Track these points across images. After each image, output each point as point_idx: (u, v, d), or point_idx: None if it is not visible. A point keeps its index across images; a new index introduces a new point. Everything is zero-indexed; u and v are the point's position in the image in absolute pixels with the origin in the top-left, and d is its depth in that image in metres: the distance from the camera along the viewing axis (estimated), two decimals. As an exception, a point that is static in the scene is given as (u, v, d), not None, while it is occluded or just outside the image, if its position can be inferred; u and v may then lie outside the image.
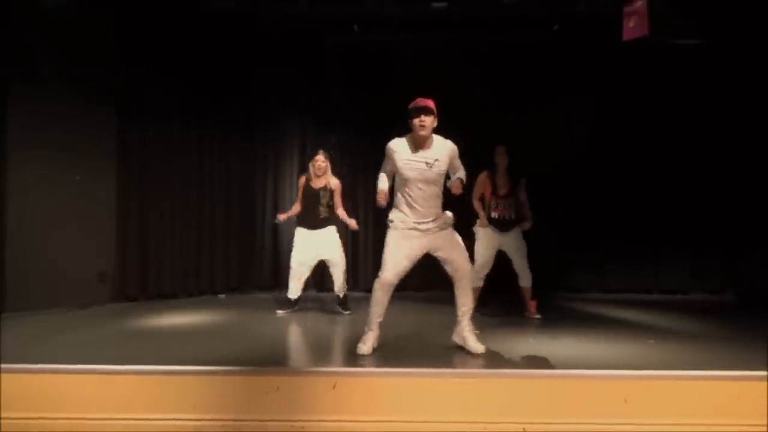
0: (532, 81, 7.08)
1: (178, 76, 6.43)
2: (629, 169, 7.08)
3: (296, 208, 5.63)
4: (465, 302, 3.70)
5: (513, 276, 5.40)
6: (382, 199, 3.62)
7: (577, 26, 6.56)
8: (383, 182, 3.72)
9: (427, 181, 3.57)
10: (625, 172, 7.09)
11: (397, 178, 3.70)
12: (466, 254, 3.74)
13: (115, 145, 6.02)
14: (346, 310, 5.56)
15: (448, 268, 3.69)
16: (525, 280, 5.32)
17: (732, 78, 6.86)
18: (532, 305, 5.42)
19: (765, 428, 2.86)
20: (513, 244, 5.28)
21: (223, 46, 6.73)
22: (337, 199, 5.53)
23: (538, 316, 5.35)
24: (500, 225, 5.24)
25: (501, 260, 5.41)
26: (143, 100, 6.20)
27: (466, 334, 3.68)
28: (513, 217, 5.27)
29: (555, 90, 7.03)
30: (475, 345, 3.61)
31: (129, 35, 6.00)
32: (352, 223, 5.43)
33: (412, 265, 3.65)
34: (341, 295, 5.61)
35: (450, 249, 3.65)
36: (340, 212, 5.51)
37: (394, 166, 3.62)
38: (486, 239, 5.23)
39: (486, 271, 5.20)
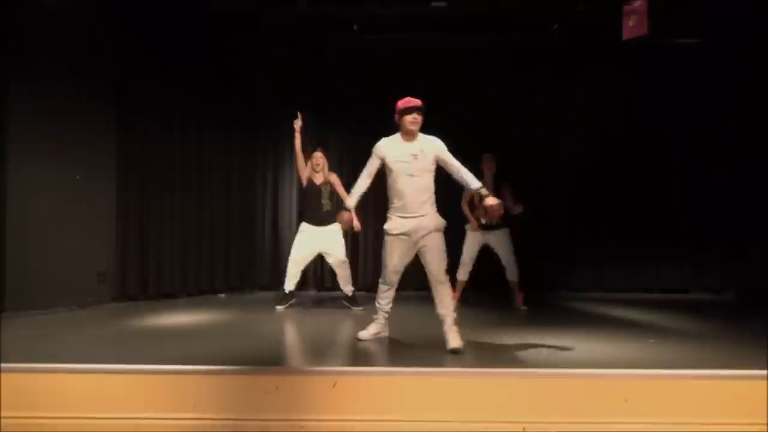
0: (532, 80, 7.09)
1: (178, 75, 6.42)
2: (629, 169, 7.10)
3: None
4: (441, 307, 3.81)
5: (498, 272, 5.72)
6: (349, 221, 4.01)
7: (576, 26, 6.57)
8: (354, 196, 4.01)
9: (414, 172, 3.75)
10: (625, 171, 7.10)
11: (388, 179, 3.88)
12: (445, 263, 3.84)
13: (115, 144, 6.02)
14: (357, 306, 5.61)
15: (428, 273, 3.84)
16: (512, 274, 5.67)
17: (732, 78, 6.87)
18: (519, 297, 5.73)
19: (765, 428, 2.86)
20: (500, 242, 5.65)
21: (224, 46, 6.73)
22: (340, 190, 5.68)
23: (524, 308, 5.67)
24: (485, 228, 5.63)
25: (490, 257, 5.70)
26: (143, 99, 6.20)
27: (445, 332, 3.76)
28: (498, 221, 5.51)
29: (554, 89, 7.03)
30: (452, 341, 3.68)
31: (129, 34, 6.00)
32: (357, 225, 5.60)
33: (408, 261, 3.92)
34: (350, 293, 5.67)
35: (430, 253, 3.79)
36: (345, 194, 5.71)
37: (384, 163, 3.84)
38: (473, 238, 5.64)
39: (470, 267, 5.61)
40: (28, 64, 5.21)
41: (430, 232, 3.77)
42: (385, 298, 4.01)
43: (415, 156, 3.75)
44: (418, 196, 3.76)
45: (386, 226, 3.88)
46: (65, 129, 5.46)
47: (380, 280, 4.01)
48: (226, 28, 6.58)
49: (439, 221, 3.82)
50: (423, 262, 3.85)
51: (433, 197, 3.85)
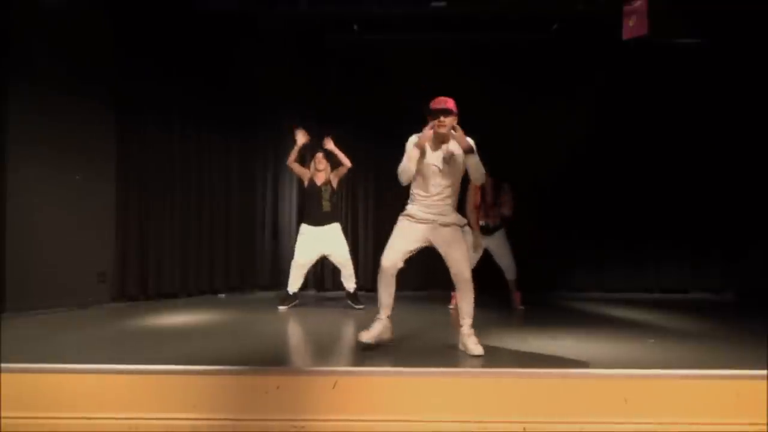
0: (532, 80, 7.09)
1: (178, 75, 6.43)
2: (629, 169, 7.10)
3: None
4: (463, 307, 3.74)
5: (498, 272, 5.73)
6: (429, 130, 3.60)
7: (576, 26, 6.57)
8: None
9: (444, 175, 3.66)
10: (625, 171, 7.10)
11: (416, 175, 3.72)
12: (468, 260, 3.74)
13: (115, 144, 6.02)
14: (359, 305, 5.64)
15: (450, 270, 3.72)
16: (510, 273, 5.71)
17: (732, 78, 6.87)
18: (516, 297, 5.74)
19: (765, 428, 2.86)
20: (498, 245, 5.65)
21: (224, 46, 6.73)
22: (341, 156, 5.63)
23: (522, 307, 5.69)
24: (486, 231, 5.61)
25: (489, 257, 5.69)
26: (143, 99, 6.19)
27: (465, 338, 3.68)
28: (498, 223, 5.64)
29: (554, 89, 7.03)
30: (474, 348, 3.60)
31: (129, 35, 6.00)
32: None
33: (413, 254, 3.71)
34: (352, 291, 5.70)
35: (449, 248, 3.67)
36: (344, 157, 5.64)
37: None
38: (475, 247, 5.50)
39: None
40: (28, 64, 5.21)
41: (449, 225, 3.68)
42: (385, 295, 3.70)
43: (446, 161, 3.64)
44: (444, 199, 3.68)
45: (408, 210, 3.74)
46: (65, 129, 5.46)
47: (380, 271, 3.69)
48: (225, 28, 6.58)
49: (459, 218, 3.76)
50: (445, 258, 3.69)
51: (456, 200, 3.77)
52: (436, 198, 3.68)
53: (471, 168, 3.65)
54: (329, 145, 5.65)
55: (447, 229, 3.69)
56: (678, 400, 2.94)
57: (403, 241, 3.68)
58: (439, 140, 3.67)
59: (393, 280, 3.71)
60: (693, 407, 2.92)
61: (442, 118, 3.59)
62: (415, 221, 3.69)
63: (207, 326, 4.83)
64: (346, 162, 5.64)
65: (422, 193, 3.71)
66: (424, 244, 3.72)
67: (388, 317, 3.77)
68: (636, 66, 6.92)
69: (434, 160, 3.66)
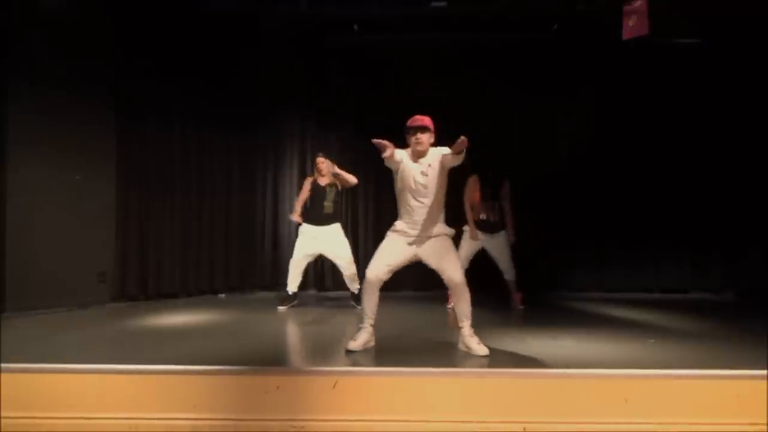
0: (532, 80, 7.09)
1: (178, 75, 6.43)
2: (629, 169, 7.10)
3: (299, 206, 5.78)
4: (460, 310, 3.76)
5: (497, 272, 5.74)
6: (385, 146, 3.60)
7: (576, 26, 6.57)
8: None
9: (425, 188, 3.71)
10: (625, 171, 7.10)
11: (397, 191, 3.82)
12: (458, 265, 3.77)
13: (115, 144, 6.02)
14: (360, 305, 5.63)
15: (442, 276, 3.76)
16: (509, 274, 5.70)
17: (732, 78, 6.87)
18: (516, 297, 5.75)
19: (765, 428, 2.86)
20: (498, 245, 5.65)
21: (224, 46, 6.73)
22: (348, 176, 5.57)
23: (521, 307, 5.69)
24: (485, 227, 5.61)
25: (486, 257, 5.71)
26: (143, 99, 6.20)
27: (467, 339, 3.70)
28: (498, 219, 5.63)
29: (554, 89, 7.04)
30: (478, 348, 3.63)
31: (129, 34, 6.01)
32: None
33: (398, 268, 3.78)
34: (356, 291, 5.70)
35: (439, 259, 3.71)
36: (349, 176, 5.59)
37: (400, 168, 3.75)
38: (471, 239, 5.59)
39: (465, 266, 5.44)
40: (28, 64, 5.21)
41: (437, 236, 3.72)
42: (368, 304, 3.77)
43: (424, 173, 3.69)
44: (428, 213, 3.71)
45: (395, 226, 3.80)
46: (65, 129, 5.46)
47: (364, 282, 3.78)
48: (226, 28, 6.58)
49: (445, 229, 3.79)
50: (436, 269, 3.73)
51: (442, 216, 3.79)
52: (419, 214, 3.72)
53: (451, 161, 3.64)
54: (335, 170, 5.58)
55: (433, 240, 3.72)
56: (678, 400, 2.94)
57: (388, 255, 3.75)
58: (417, 156, 3.73)
59: (377, 290, 3.78)
60: (693, 407, 2.92)
61: (418, 135, 3.67)
62: (401, 235, 3.76)
63: (207, 326, 4.83)
64: (352, 180, 5.61)
65: (406, 209, 3.76)
66: (412, 260, 3.77)
67: (371, 325, 3.82)
68: (636, 66, 6.92)
69: (414, 177, 3.71)
